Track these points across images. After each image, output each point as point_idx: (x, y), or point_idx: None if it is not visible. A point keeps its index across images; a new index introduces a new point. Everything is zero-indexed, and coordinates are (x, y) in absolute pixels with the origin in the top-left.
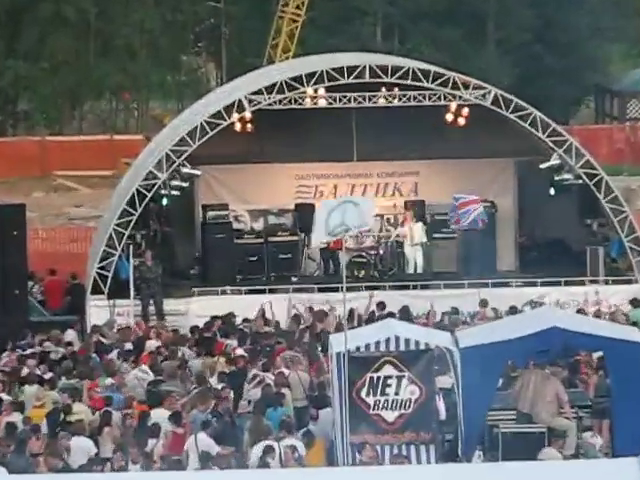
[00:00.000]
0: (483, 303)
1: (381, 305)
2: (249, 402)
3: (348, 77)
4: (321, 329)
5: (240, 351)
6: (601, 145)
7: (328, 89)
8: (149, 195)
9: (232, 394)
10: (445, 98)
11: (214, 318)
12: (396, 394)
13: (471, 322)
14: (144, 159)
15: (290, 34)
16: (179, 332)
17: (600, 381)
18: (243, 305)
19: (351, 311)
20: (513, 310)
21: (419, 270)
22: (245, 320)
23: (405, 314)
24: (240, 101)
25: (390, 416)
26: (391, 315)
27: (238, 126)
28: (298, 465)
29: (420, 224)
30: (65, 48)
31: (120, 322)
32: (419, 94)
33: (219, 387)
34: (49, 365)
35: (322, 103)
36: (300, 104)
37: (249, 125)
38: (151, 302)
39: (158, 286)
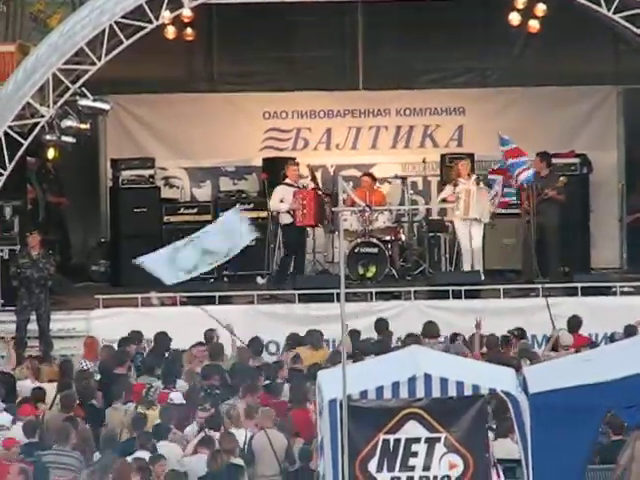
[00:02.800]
0: (576, 322)
1: (383, 324)
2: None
3: None
4: (311, 364)
5: (176, 395)
6: None
7: None
8: (25, 143)
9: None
10: None
11: (124, 342)
12: (426, 469)
13: (548, 352)
14: (17, 84)
15: None
16: (72, 364)
17: None
18: (177, 323)
19: (353, 333)
20: (626, 332)
21: (473, 264)
22: (154, 346)
23: (429, 334)
24: None
25: None
26: (414, 339)
27: (171, 31)
28: None
29: (485, 190)
30: None
31: None
32: None
33: (139, 455)
34: None
35: None
36: None
37: (189, 30)
38: (32, 317)
39: (46, 292)
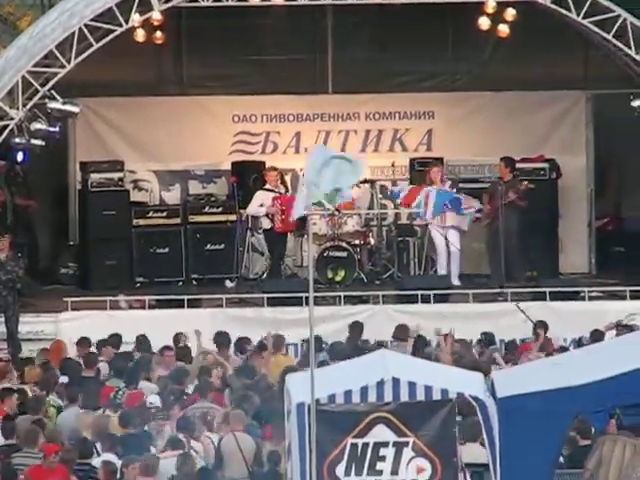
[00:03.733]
0: (541, 326)
1: (357, 327)
2: None
3: None
4: (286, 366)
5: (154, 398)
6: None
7: None
8: None
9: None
10: None
11: (100, 344)
12: (394, 473)
13: (516, 357)
14: None
15: None
16: (49, 368)
17: None
18: (146, 326)
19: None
20: (593, 337)
21: (450, 269)
22: (135, 348)
23: (400, 337)
24: None
25: None
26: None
27: (141, 34)
28: None
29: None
30: None
31: None
32: None
33: (107, 458)
34: None
35: None
36: (242, 0)
37: (158, 33)
38: (0, 319)
39: (14, 294)
